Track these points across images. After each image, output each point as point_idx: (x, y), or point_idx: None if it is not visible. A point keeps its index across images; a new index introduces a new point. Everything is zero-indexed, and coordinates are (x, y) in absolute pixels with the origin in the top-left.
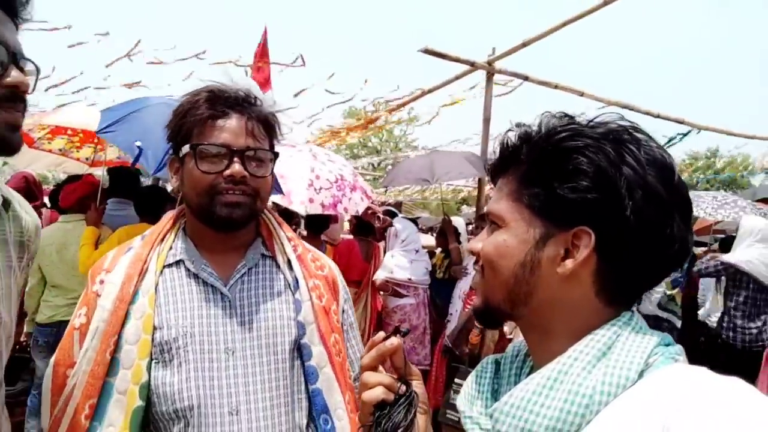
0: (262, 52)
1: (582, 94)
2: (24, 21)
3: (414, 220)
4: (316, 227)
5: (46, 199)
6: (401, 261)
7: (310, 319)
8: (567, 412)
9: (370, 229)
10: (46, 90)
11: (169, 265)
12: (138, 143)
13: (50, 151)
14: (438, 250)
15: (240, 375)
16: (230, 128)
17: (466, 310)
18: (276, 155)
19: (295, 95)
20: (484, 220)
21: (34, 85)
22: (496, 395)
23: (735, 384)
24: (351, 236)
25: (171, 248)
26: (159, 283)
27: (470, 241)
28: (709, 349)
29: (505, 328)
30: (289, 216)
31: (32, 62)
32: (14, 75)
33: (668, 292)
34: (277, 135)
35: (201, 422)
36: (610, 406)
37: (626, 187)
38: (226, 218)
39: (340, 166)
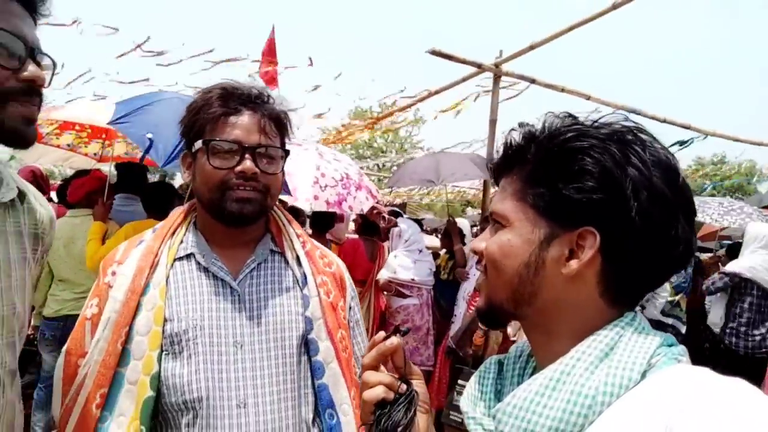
0: (270, 51)
1: (589, 98)
2: (42, 17)
3: (419, 222)
4: (322, 226)
5: (53, 194)
6: (404, 261)
7: (317, 314)
8: (570, 413)
9: (375, 229)
10: (65, 86)
11: (180, 259)
12: (149, 135)
13: (59, 146)
14: (442, 252)
15: (248, 368)
16: (242, 125)
17: (470, 311)
18: (287, 153)
19: (311, 91)
20: (488, 222)
21: (50, 80)
22: (499, 396)
23: (738, 384)
24: (356, 236)
25: (182, 242)
26: (170, 276)
27: (472, 240)
28: (713, 354)
29: (509, 330)
30: (295, 214)
31: (49, 57)
32: (31, 69)
33: (671, 298)
34: (289, 133)
35: (209, 414)
36: (612, 406)
37: (632, 188)
38: (237, 213)
39: (346, 165)
